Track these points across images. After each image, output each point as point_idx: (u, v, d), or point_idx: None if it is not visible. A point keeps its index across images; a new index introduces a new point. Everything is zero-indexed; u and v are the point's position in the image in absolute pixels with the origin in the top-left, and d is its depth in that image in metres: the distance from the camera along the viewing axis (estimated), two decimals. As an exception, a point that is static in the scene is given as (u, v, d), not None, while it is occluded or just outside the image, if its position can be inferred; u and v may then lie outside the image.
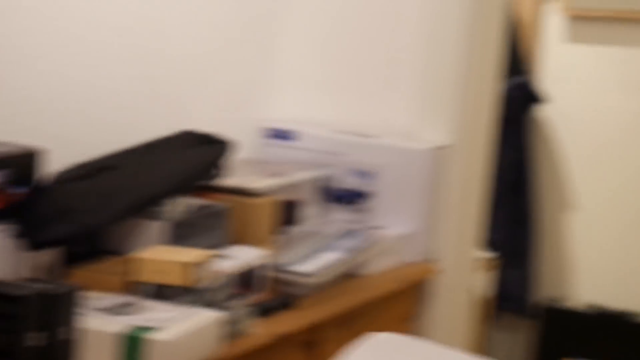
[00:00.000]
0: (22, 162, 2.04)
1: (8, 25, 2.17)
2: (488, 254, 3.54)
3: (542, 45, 4.08)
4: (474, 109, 2.79)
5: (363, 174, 2.72)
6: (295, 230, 2.58)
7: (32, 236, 1.96)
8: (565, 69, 4.02)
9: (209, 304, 2.01)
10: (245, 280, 2.23)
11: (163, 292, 2.03)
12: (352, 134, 2.79)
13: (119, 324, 1.75)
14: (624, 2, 3.83)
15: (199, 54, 2.80)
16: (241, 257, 2.25)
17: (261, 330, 2.07)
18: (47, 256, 2.06)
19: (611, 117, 4.00)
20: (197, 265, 2.06)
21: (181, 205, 2.33)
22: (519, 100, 3.77)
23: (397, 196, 2.67)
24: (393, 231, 2.63)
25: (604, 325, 3.93)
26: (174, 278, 2.06)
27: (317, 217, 2.74)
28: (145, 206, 2.22)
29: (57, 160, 2.10)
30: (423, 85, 2.76)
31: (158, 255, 2.08)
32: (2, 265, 1.92)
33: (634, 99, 3.95)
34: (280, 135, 2.86)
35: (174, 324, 1.80)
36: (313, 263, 2.35)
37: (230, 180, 2.47)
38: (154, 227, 2.21)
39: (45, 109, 2.30)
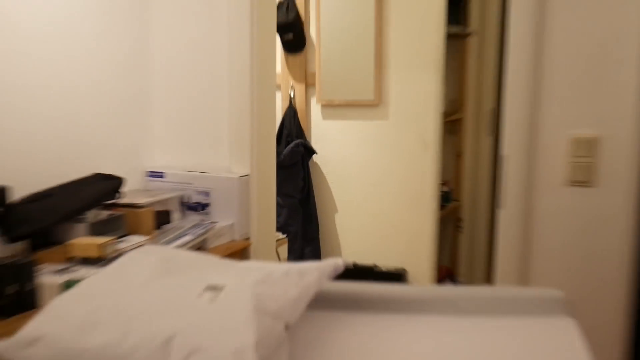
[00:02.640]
0: None
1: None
2: (281, 235, 3.83)
3: (311, 121, 4.55)
4: (261, 155, 3.21)
5: (204, 193, 3.14)
6: (165, 226, 2.95)
7: (9, 234, 2.39)
8: (323, 134, 4.57)
9: None
10: None
11: (87, 262, 2.39)
12: (195, 171, 3.17)
13: (61, 279, 2.19)
14: (351, 95, 4.37)
15: (105, 123, 3.07)
16: (133, 241, 2.61)
17: None
18: (20, 246, 2.44)
19: (351, 159, 4.51)
20: (105, 245, 2.43)
21: (95, 214, 2.71)
22: (302, 152, 4.35)
23: (223, 204, 3.11)
24: (223, 223, 3.05)
25: (360, 273, 4.33)
26: (92, 253, 2.41)
27: (178, 219, 3.12)
28: (74, 215, 2.61)
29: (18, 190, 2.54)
30: (233, 142, 3.16)
31: (83, 240, 2.45)
32: None
33: (362, 149, 4.46)
34: (155, 174, 3.23)
35: None
36: (175, 243, 2.75)
37: (125, 199, 2.87)
38: (80, 227, 2.61)
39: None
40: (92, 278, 1.20)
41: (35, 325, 1.04)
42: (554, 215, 2.78)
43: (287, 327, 1.14)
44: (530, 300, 1.35)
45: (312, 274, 1.22)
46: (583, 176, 2.74)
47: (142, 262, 1.24)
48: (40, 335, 1.01)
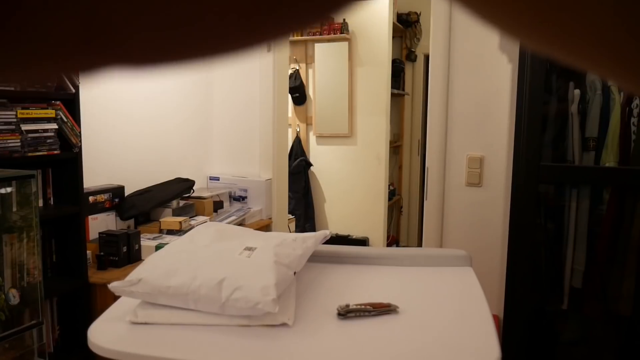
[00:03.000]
0: (117, 190, 2.46)
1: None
2: (291, 216, 3.97)
3: (309, 146, 4.46)
4: (279, 167, 3.18)
5: (243, 190, 3.12)
6: (220, 210, 2.96)
7: (122, 215, 2.47)
8: (317, 154, 4.44)
9: None
10: None
11: (171, 232, 2.47)
12: (238, 176, 3.16)
13: (155, 242, 2.28)
14: (334, 130, 4.34)
15: (184, 145, 3.06)
16: (200, 219, 2.66)
17: None
18: (128, 222, 2.52)
19: (334, 170, 4.43)
20: (183, 222, 2.51)
21: (177, 203, 2.71)
22: (304, 165, 4.32)
23: (255, 197, 3.10)
24: (255, 209, 3.06)
25: (340, 241, 4.26)
26: (175, 227, 2.47)
27: (227, 206, 3.10)
28: (164, 203, 2.64)
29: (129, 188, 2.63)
30: (261, 158, 3.15)
31: (169, 219, 2.52)
32: (111, 227, 2.46)
33: (341, 163, 4.36)
34: (214, 178, 3.21)
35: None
36: (226, 220, 2.78)
37: (195, 194, 2.88)
38: (168, 211, 2.65)
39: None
40: (174, 242, 1.19)
41: (137, 272, 1.03)
42: (459, 204, 2.78)
43: (295, 274, 1.13)
44: (445, 256, 1.35)
45: (310, 240, 1.21)
46: (475, 180, 2.74)
47: (205, 232, 1.23)
48: (140, 278, 1.00)
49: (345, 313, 1.01)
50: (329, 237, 1.31)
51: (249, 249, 1.08)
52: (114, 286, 1.01)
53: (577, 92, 2.26)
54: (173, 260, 1.03)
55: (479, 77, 2.68)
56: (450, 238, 2.82)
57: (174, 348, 0.91)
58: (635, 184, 2.05)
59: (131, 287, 0.99)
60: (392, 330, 0.99)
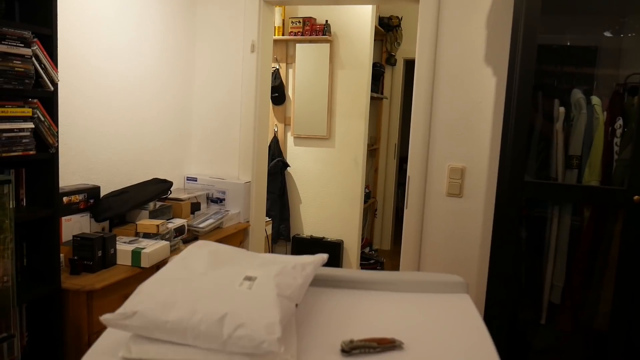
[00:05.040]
0: (92, 190, 2.32)
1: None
2: (268, 218, 3.89)
3: (286, 146, 4.35)
4: (258, 169, 3.09)
5: (221, 192, 3.01)
6: (197, 212, 2.84)
7: (97, 217, 2.33)
8: (294, 155, 4.32)
9: (165, 239, 2.35)
10: (179, 230, 2.52)
11: (148, 236, 2.35)
12: (217, 178, 3.04)
13: (131, 247, 2.16)
14: (312, 131, 4.21)
15: (162, 145, 2.93)
16: (177, 222, 2.54)
17: (183, 247, 2.42)
18: (103, 224, 2.38)
19: (311, 171, 4.30)
20: (161, 225, 2.37)
21: (154, 204, 2.58)
22: (281, 165, 4.22)
23: (234, 199, 2.98)
24: (233, 212, 2.95)
25: (315, 243, 4.25)
26: (152, 230, 2.34)
27: (205, 208, 2.98)
28: (140, 205, 2.51)
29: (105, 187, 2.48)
30: (240, 160, 3.03)
31: (146, 222, 2.39)
32: (85, 229, 2.32)
33: (318, 165, 4.27)
34: (191, 179, 3.08)
35: (151, 246, 2.17)
36: (203, 223, 2.70)
37: (173, 195, 2.77)
38: (144, 212, 2.53)
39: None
40: (167, 267, 1.11)
41: (131, 303, 0.94)
42: (439, 213, 2.77)
43: (296, 306, 1.07)
44: (442, 282, 1.31)
45: (309, 266, 1.15)
46: (455, 191, 2.74)
47: (198, 254, 1.15)
48: (135, 311, 0.91)
49: (350, 350, 0.96)
50: (325, 261, 1.25)
51: (249, 278, 1.01)
52: (106, 319, 0.93)
53: (562, 109, 2.26)
54: (169, 290, 0.95)
55: (463, 88, 2.66)
56: (428, 246, 2.80)
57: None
58: (615, 203, 2.07)
59: (125, 320, 0.90)
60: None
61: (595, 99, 2.20)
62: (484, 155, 2.68)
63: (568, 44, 2.54)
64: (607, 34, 2.40)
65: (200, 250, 1.17)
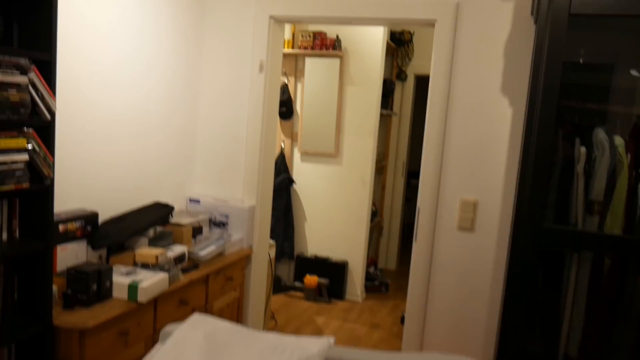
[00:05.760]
0: (90, 217, 2.20)
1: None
2: (272, 241, 3.42)
3: (293, 163, 4.27)
4: (263, 193, 2.97)
5: (225, 215, 2.90)
6: (199, 236, 2.72)
7: (94, 245, 2.23)
8: (300, 172, 4.27)
9: (164, 270, 2.24)
10: (179, 258, 2.45)
11: (146, 266, 2.25)
12: (221, 200, 2.92)
13: (128, 279, 2.05)
14: (319, 148, 4.15)
15: (163, 167, 2.83)
16: (177, 250, 2.46)
17: (184, 278, 2.31)
18: (100, 252, 2.28)
19: (317, 188, 4.22)
20: (159, 255, 2.28)
21: (153, 230, 2.49)
22: (287, 182, 4.14)
23: (237, 224, 2.88)
24: (236, 237, 2.84)
25: (319, 263, 4.19)
26: (150, 260, 2.25)
27: (207, 232, 2.85)
28: (139, 232, 2.40)
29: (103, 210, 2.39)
30: (245, 182, 2.92)
31: (144, 251, 2.29)
32: (81, 257, 2.19)
33: (324, 182, 4.21)
34: (194, 200, 2.97)
35: (149, 279, 2.07)
36: (204, 250, 2.59)
37: (174, 220, 2.66)
38: (143, 240, 2.41)
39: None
40: (157, 358, 0.99)
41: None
42: (449, 247, 2.67)
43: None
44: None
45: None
46: (467, 225, 2.64)
47: (192, 341, 1.03)
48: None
49: None
50: (331, 344, 1.13)
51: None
52: None
53: (583, 150, 2.13)
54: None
55: (478, 118, 2.55)
56: (437, 282, 2.69)
57: None
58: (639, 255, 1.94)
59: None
60: None
61: (618, 140, 2.07)
62: (497, 189, 2.56)
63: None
64: (634, 72, 2.28)
65: (194, 334, 1.06)
